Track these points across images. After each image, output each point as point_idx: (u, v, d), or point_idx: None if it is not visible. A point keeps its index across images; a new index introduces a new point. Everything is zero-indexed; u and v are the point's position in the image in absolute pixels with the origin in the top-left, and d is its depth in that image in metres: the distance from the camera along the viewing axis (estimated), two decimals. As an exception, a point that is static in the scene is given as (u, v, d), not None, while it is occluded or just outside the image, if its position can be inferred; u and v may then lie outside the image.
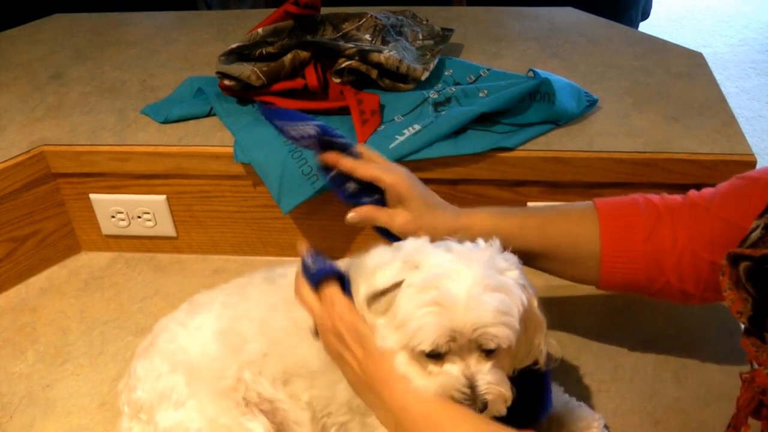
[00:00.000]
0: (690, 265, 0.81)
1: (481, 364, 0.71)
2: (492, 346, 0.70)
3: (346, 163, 0.88)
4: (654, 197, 0.86)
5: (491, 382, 0.70)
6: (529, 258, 0.85)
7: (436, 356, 0.71)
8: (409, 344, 0.70)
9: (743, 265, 0.66)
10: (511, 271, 0.74)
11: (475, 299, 0.68)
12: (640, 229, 0.83)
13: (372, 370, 0.72)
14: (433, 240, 0.77)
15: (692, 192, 0.85)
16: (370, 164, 0.89)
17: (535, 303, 0.75)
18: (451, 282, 0.69)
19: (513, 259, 0.75)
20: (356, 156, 0.89)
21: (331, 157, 0.89)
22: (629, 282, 0.85)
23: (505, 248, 0.76)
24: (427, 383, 0.71)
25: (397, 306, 0.72)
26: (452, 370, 0.71)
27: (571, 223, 0.87)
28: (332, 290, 0.76)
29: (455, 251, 0.73)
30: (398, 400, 0.71)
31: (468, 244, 0.75)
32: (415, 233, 0.81)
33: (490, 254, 0.74)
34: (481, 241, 0.76)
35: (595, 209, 0.86)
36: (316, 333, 0.79)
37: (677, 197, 0.85)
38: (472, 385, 0.70)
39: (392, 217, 0.87)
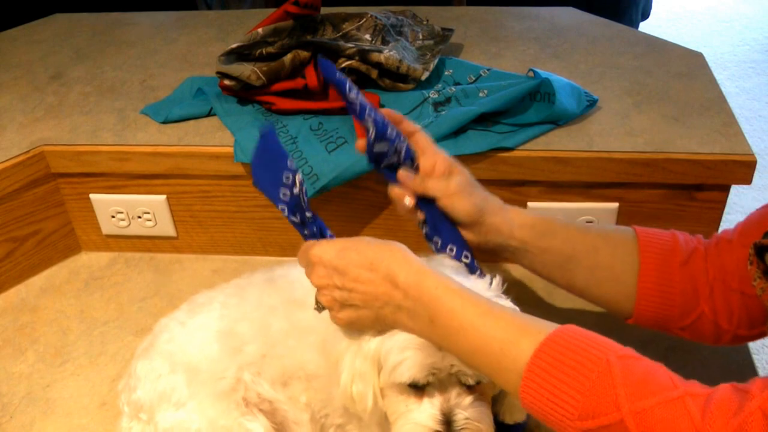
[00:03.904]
0: (721, 296, 0.80)
1: (461, 397, 0.71)
2: (471, 382, 0.70)
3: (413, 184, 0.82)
4: (689, 234, 0.85)
5: (469, 417, 0.70)
6: (559, 271, 0.85)
7: (416, 387, 0.71)
8: (389, 379, 0.71)
9: None
10: None
11: None
12: (678, 253, 0.81)
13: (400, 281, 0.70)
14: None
15: (716, 233, 0.84)
16: (431, 180, 0.82)
17: None
18: None
19: (508, 302, 0.75)
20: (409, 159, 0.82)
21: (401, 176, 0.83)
22: (664, 307, 0.82)
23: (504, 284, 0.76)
24: (403, 421, 0.71)
25: (379, 342, 0.72)
26: (428, 407, 0.70)
27: (612, 238, 0.84)
28: (313, 248, 0.75)
29: None
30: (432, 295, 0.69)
31: (464, 280, 0.74)
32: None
33: (480, 289, 0.74)
34: (478, 282, 0.76)
35: (634, 232, 0.84)
36: (318, 305, 0.78)
37: (706, 239, 0.84)
38: (448, 420, 0.70)
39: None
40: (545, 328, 0.65)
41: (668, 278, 0.81)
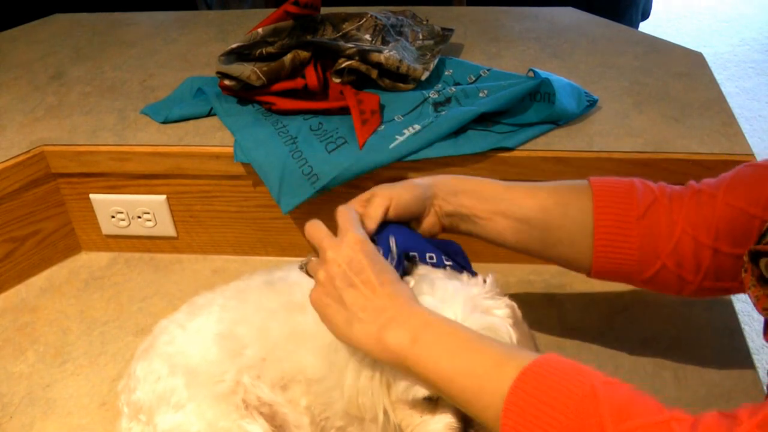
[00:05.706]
0: (690, 251, 0.79)
1: None
2: None
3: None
4: (651, 182, 0.84)
5: None
6: (513, 236, 0.85)
7: (430, 399, 0.71)
8: (401, 397, 0.71)
9: (764, 261, 0.66)
10: (499, 309, 0.73)
11: None
12: (635, 207, 0.80)
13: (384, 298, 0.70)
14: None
15: (692, 182, 0.83)
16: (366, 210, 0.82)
17: (534, 340, 0.75)
18: None
19: (505, 300, 0.75)
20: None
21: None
22: (622, 264, 0.82)
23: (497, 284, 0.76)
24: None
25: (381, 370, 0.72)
26: (443, 416, 0.71)
27: (563, 197, 0.83)
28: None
29: (437, 292, 0.73)
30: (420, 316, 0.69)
31: (455, 281, 0.75)
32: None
33: (475, 292, 0.74)
34: (471, 281, 0.76)
35: (589, 186, 0.84)
36: (304, 266, 0.77)
37: (676, 186, 0.83)
38: (465, 428, 0.70)
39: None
40: (529, 356, 0.64)
41: (625, 234, 0.80)
